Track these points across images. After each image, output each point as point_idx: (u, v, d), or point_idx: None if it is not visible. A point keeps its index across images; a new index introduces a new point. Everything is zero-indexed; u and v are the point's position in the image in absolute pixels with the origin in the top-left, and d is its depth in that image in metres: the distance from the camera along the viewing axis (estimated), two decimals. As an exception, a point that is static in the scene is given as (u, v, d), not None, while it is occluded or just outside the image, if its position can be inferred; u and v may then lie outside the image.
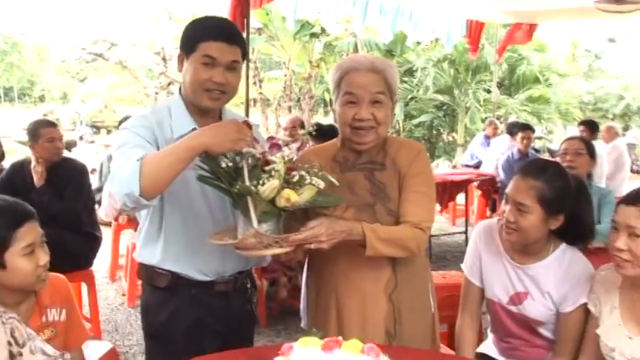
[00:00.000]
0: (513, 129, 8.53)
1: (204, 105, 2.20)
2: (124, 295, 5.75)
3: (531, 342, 2.50)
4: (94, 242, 4.59)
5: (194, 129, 2.17)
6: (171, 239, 2.23)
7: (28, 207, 2.10)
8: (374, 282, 2.27)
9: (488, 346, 2.70)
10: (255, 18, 15.10)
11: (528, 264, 2.43)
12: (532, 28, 9.37)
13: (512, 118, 14.41)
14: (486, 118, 12.17)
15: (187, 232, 2.20)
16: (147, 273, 2.31)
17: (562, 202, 2.32)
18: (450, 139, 18.41)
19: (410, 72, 17.27)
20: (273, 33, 17.68)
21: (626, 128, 21.51)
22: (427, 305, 2.42)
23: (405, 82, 16.96)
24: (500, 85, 16.30)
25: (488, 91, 15.78)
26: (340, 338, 1.76)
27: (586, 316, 2.32)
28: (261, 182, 1.88)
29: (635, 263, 2.03)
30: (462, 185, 7.88)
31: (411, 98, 17.34)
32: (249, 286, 2.45)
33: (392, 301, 2.29)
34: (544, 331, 2.46)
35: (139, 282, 2.51)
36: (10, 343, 1.69)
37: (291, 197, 1.89)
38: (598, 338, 2.20)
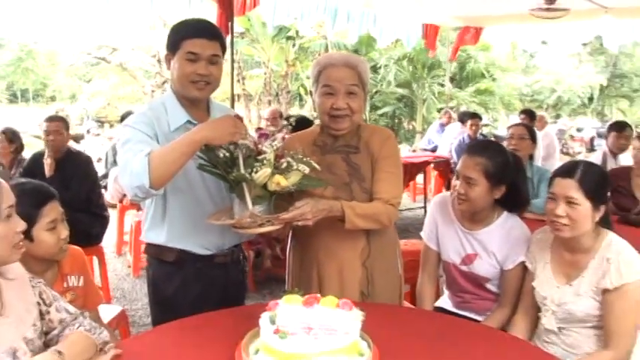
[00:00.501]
0: (464, 117, 8.57)
1: (193, 95, 2.18)
2: (129, 266, 5.71)
3: (480, 295, 2.53)
4: (103, 222, 4.57)
5: (188, 121, 2.17)
6: (175, 221, 2.21)
7: (51, 189, 2.12)
8: (350, 251, 2.28)
9: (445, 301, 2.72)
10: (239, 24, 14.97)
11: (476, 230, 2.46)
12: (478, 31, 9.36)
13: (463, 109, 14.49)
14: (441, 108, 12.26)
15: (189, 214, 2.18)
16: (155, 250, 2.28)
17: (503, 175, 2.35)
18: (410, 127, 18.49)
19: (374, 69, 17.26)
20: (254, 37, 17.58)
21: (557, 117, 21.76)
22: (396, 269, 2.44)
23: (370, 77, 16.99)
24: (452, 79, 16.36)
25: (442, 85, 15.87)
26: (319, 295, 1.77)
27: (524, 273, 2.35)
28: (254, 170, 1.89)
29: (573, 227, 2.06)
30: (421, 167, 7.90)
31: (376, 92, 17.39)
32: (241, 257, 2.45)
33: (366, 266, 2.31)
34: (490, 286, 2.49)
35: (142, 255, 2.49)
36: (39, 303, 1.67)
37: (281, 182, 1.91)
38: (533, 290, 2.24)
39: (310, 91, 2.33)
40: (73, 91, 28.74)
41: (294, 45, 18.21)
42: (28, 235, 1.88)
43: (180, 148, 1.90)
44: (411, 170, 7.58)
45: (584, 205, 2.04)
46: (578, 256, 2.13)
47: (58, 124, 4.41)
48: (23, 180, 2.15)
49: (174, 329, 1.98)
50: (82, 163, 4.47)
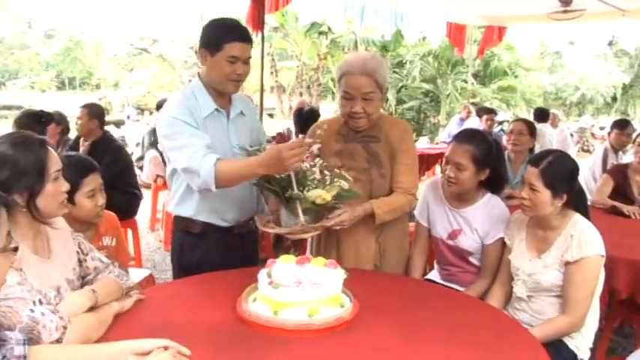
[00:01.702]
0: (481, 112, 8.69)
1: (229, 91, 2.42)
2: (160, 241, 6.04)
3: (464, 269, 2.73)
4: (135, 198, 4.84)
5: (216, 109, 2.41)
6: (202, 199, 2.43)
7: (93, 162, 2.41)
8: (366, 229, 2.51)
9: (434, 274, 2.93)
10: (273, 18, 15.23)
11: (462, 208, 2.67)
12: (502, 30, 9.41)
13: (486, 105, 14.51)
14: (468, 104, 12.33)
15: (216, 192, 2.32)
16: (183, 222, 2.52)
17: (488, 160, 2.55)
18: (435, 121, 18.55)
19: (400, 64, 17.39)
20: (288, 31, 17.80)
21: (580, 114, 21.57)
22: (404, 245, 2.73)
23: (397, 72, 17.12)
24: (475, 76, 16.40)
25: (465, 82, 15.89)
26: (310, 256, 2.02)
27: (502, 248, 2.56)
28: (307, 189, 2.14)
29: (533, 209, 2.30)
30: (437, 157, 8.04)
31: (402, 86, 17.47)
32: (255, 228, 2.66)
33: (379, 242, 2.58)
34: (473, 260, 2.69)
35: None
36: (78, 252, 1.94)
37: (326, 198, 2.15)
38: (510, 263, 2.45)
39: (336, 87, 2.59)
40: (116, 80, 29.39)
41: (326, 39, 18.39)
42: (71, 199, 2.17)
43: (244, 174, 2.20)
44: (428, 161, 7.75)
45: (544, 192, 2.25)
46: (548, 233, 2.34)
47: (83, 110, 4.74)
48: (72, 153, 2.45)
49: (190, 282, 2.26)
50: (113, 149, 4.74)
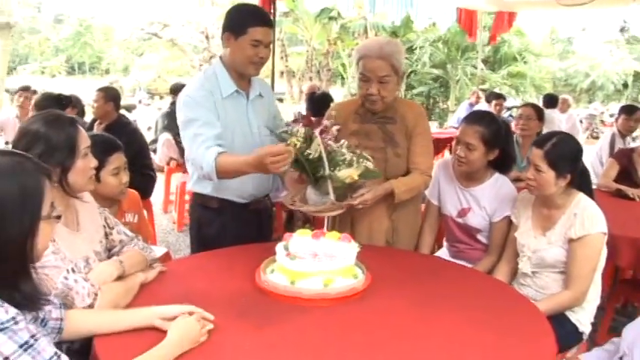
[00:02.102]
0: (490, 98, 8.74)
1: (250, 73, 2.53)
2: (174, 222, 6.15)
3: (472, 246, 2.83)
4: (150, 180, 4.94)
5: (236, 90, 2.51)
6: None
7: (117, 142, 2.51)
8: (380, 207, 2.61)
9: (443, 252, 3.03)
10: (284, 3, 15.27)
11: (472, 187, 2.76)
12: (512, 16, 9.40)
13: (495, 90, 14.51)
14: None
15: None
16: (201, 198, 2.63)
17: (497, 140, 2.64)
18: (445, 106, 18.56)
19: (410, 50, 17.36)
20: (298, 15, 17.80)
21: (590, 101, 21.48)
22: (416, 224, 2.85)
23: (407, 58, 17.05)
24: (485, 62, 16.37)
25: (475, 67, 15.89)
26: (325, 231, 2.12)
27: (509, 227, 2.65)
28: (338, 169, 2.23)
29: (538, 188, 2.38)
30: (447, 142, 8.10)
31: (411, 72, 17.47)
32: (270, 205, 2.82)
33: (392, 219, 2.69)
34: (481, 238, 2.79)
35: (186, 214, 2.84)
36: (104, 226, 2.06)
37: (354, 176, 2.25)
38: (515, 240, 2.54)
39: (345, 72, 2.68)
40: (126, 64, 29.48)
41: (336, 24, 18.38)
42: (96, 177, 2.26)
43: (239, 171, 2.30)
44: (437, 145, 7.79)
45: (548, 172, 2.33)
46: (552, 211, 2.43)
47: (98, 93, 4.85)
48: (97, 133, 2.55)
49: (209, 256, 2.38)
50: (128, 131, 4.81)
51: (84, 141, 1.86)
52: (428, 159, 2.65)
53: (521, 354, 1.63)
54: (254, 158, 2.16)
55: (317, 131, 2.23)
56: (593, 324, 2.48)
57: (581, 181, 2.43)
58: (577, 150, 2.42)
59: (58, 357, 1.25)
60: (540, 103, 9.54)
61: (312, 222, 5.52)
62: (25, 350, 1.20)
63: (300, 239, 2.04)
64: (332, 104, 2.76)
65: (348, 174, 2.23)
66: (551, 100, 8.32)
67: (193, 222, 2.73)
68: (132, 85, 24.21)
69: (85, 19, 30.01)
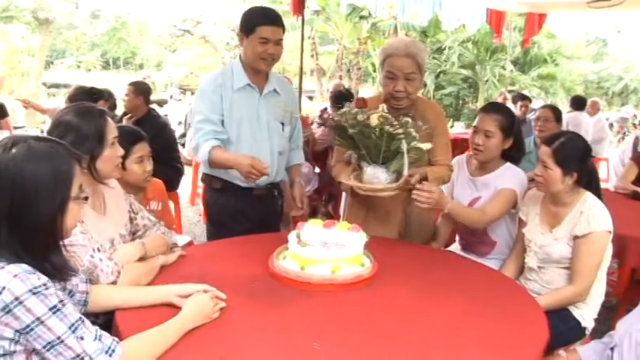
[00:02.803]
0: (516, 99, 8.73)
1: (261, 68, 2.74)
2: (200, 215, 6.29)
3: (480, 239, 2.88)
4: (177, 172, 5.12)
5: (248, 84, 2.73)
6: None
7: (141, 132, 2.66)
8: (395, 200, 2.68)
9: (454, 247, 3.11)
10: (315, 2, 15.40)
11: (484, 175, 2.83)
12: (542, 18, 9.34)
13: (525, 92, 14.41)
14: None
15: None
16: (207, 178, 2.89)
17: (511, 129, 2.76)
18: (474, 107, 18.46)
19: (439, 50, 17.33)
20: (329, 14, 17.88)
21: (623, 104, 21.11)
22: (430, 218, 2.94)
23: (436, 58, 17.08)
24: (515, 63, 16.26)
25: (504, 68, 15.80)
26: (337, 222, 2.24)
27: (513, 199, 2.72)
28: (414, 143, 2.37)
29: (545, 185, 2.47)
30: (472, 142, 8.13)
31: (440, 72, 17.44)
32: (276, 194, 2.98)
33: (406, 213, 2.80)
34: (490, 233, 2.85)
35: None
36: (129, 211, 2.20)
37: (423, 148, 2.42)
38: (524, 236, 2.62)
39: (375, 71, 2.80)
40: (159, 60, 29.88)
41: (367, 23, 18.41)
42: (122, 165, 2.41)
43: (226, 165, 2.64)
44: (462, 145, 7.83)
45: (555, 170, 2.41)
46: (559, 208, 2.50)
47: (129, 88, 5.04)
48: (122, 124, 2.70)
49: (227, 243, 2.52)
50: (157, 125, 4.97)
51: (112, 131, 2.00)
52: (449, 155, 2.78)
53: (513, 338, 1.71)
54: (238, 160, 2.55)
55: (383, 106, 2.42)
56: (598, 321, 2.54)
57: (588, 179, 2.50)
58: (584, 149, 2.50)
59: (82, 321, 1.39)
60: (568, 105, 9.52)
61: (335, 215, 5.66)
62: (54, 313, 1.34)
63: (311, 228, 2.16)
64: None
65: (427, 145, 2.40)
66: (578, 102, 8.28)
67: (203, 202, 3.03)
68: (164, 80, 24.55)
69: (120, 16, 30.49)
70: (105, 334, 1.43)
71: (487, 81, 16.64)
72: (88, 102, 2.44)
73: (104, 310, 1.75)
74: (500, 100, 9.95)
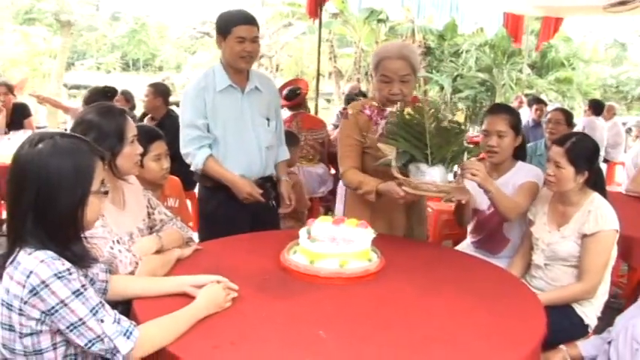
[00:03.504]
0: (531, 102, 8.74)
1: (241, 67, 2.88)
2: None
3: (495, 237, 2.92)
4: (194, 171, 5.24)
5: (230, 85, 2.87)
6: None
7: (159, 131, 2.77)
8: (398, 206, 2.73)
9: (465, 244, 3.12)
10: (333, 5, 15.49)
11: (499, 178, 2.84)
12: (558, 22, 9.32)
13: (542, 96, 14.37)
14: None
15: (224, 156, 2.92)
16: (199, 177, 3.00)
17: (520, 126, 2.85)
18: (491, 111, 18.33)
19: (457, 54, 17.34)
20: (347, 17, 17.97)
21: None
22: (425, 222, 3.01)
23: (453, 61, 17.09)
24: (532, 67, 16.20)
25: (521, 72, 15.76)
26: (345, 218, 2.31)
27: (535, 187, 2.76)
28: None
29: (557, 184, 2.52)
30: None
31: (458, 75, 17.43)
32: (268, 187, 3.04)
33: (408, 216, 2.85)
34: (505, 232, 2.89)
35: None
36: (147, 207, 2.31)
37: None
38: (531, 235, 2.68)
39: (371, 74, 2.84)
40: (179, 62, 30.15)
41: (384, 27, 18.48)
42: (140, 163, 2.52)
43: (220, 180, 2.85)
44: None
45: (568, 169, 2.47)
46: (568, 208, 2.56)
47: (149, 89, 5.18)
48: (141, 124, 2.81)
49: (239, 239, 2.61)
50: (176, 126, 5.10)
51: (131, 130, 2.10)
52: None
53: (512, 332, 1.77)
54: (237, 185, 2.82)
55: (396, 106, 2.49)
56: (606, 322, 2.58)
57: (595, 180, 2.56)
58: (595, 149, 2.57)
59: (103, 305, 1.49)
60: (584, 109, 9.48)
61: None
62: (77, 296, 1.44)
63: (321, 225, 2.23)
64: (351, 104, 2.90)
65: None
66: (596, 106, 8.26)
67: (197, 198, 3.19)
68: (183, 82, 24.76)
69: (140, 18, 30.82)
70: (123, 317, 1.53)
71: (504, 84, 16.59)
72: (108, 102, 2.55)
73: (122, 298, 1.84)
74: (516, 103, 9.98)
